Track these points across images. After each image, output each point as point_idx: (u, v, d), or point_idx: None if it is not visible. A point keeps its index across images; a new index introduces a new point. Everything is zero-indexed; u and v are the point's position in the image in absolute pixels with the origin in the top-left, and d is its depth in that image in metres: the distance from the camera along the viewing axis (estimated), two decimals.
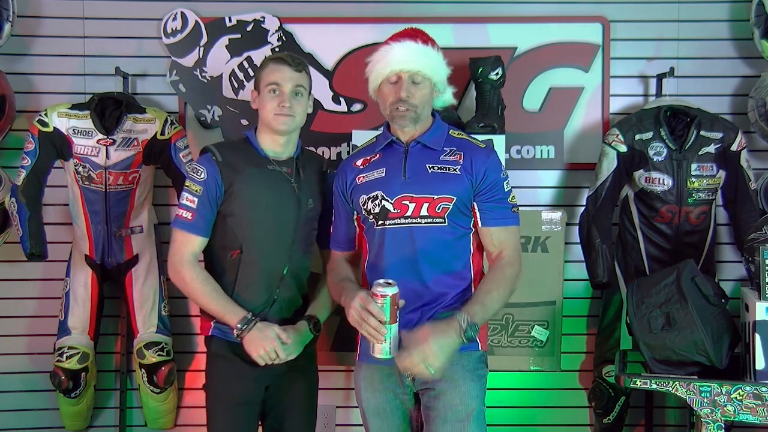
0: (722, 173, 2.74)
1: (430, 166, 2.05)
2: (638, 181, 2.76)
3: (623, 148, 2.73)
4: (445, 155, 2.07)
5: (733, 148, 2.71)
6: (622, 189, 2.83)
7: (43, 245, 2.79)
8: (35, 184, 2.78)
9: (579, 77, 3.08)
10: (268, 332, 2.09)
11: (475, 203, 2.05)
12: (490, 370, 2.13)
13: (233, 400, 2.18)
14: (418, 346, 1.84)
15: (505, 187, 2.08)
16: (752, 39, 2.93)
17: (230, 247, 2.17)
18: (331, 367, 2.88)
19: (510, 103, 2.88)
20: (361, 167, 2.13)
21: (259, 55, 3.05)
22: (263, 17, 3.06)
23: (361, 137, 2.70)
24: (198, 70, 3.07)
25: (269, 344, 2.08)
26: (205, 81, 3.07)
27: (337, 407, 3.06)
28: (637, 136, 2.73)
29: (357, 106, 3.08)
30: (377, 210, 2.05)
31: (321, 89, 3.03)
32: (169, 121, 2.88)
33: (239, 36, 3.06)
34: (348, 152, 2.98)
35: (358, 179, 2.11)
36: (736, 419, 2.23)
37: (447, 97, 2.22)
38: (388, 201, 2.04)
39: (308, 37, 3.08)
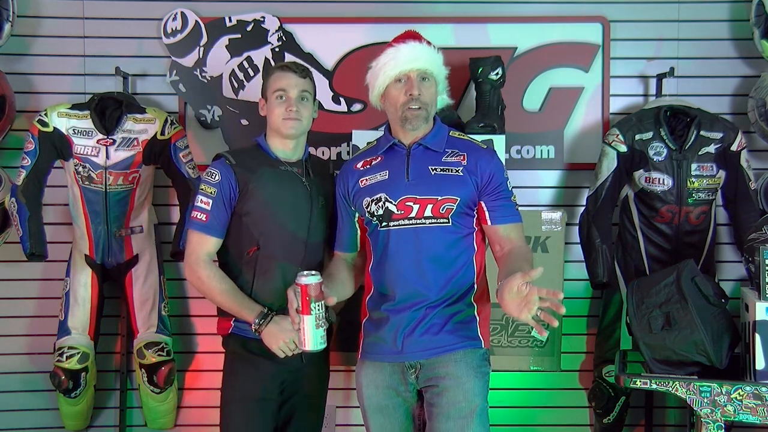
0: (722, 173, 2.74)
1: (433, 167, 2.07)
2: (638, 181, 2.76)
3: (623, 148, 2.73)
4: (447, 156, 2.10)
5: (733, 148, 2.71)
6: (622, 189, 2.84)
7: (43, 245, 2.79)
8: (35, 184, 2.79)
9: (579, 77, 3.08)
10: (286, 324, 2.12)
11: (482, 202, 2.08)
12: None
13: (251, 396, 2.21)
14: (531, 296, 1.73)
15: (509, 186, 2.12)
16: (752, 39, 2.93)
17: (247, 245, 2.21)
18: (331, 367, 2.88)
19: (510, 103, 2.88)
20: (363, 170, 2.15)
21: (259, 55, 3.05)
22: (263, 17, 3.06)
23: (361, 137, 2.70)
24: (198, 70, 3.07)
25: (288, 336, 2.12)
26: (205, 81, 3.07)
27: (337, 407, 3.06)
28: (637, 136, 2.73)
29: (357, 106, 3.08)
30: (381, 212, 2.07)
31: (321, 89, 3.00)
32: (169, 121, 2.88)
33: (239, 36, 3.06)
34: (348, 152, 2.99)
35: (361, 182, 2.13)
36: (736, 419, 2.24)
37: (444, 97, 2.23)
38: (391, 203, 2.05)
39: (308, 37, 3.08)
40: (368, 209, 2.10)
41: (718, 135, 2.71)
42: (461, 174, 2.06)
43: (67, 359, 2.79)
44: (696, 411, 2.25)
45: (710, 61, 3.07)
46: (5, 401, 3.09)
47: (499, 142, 2.68)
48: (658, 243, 2.79)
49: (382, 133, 2.21)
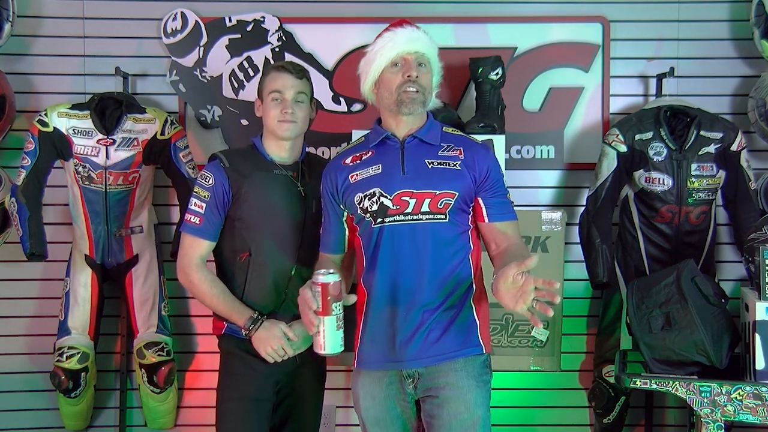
0: (722, 173, 2.74)
1: (430, 161, 2.00)
2: (638, 181, 2.76)
3: (623, 148, 2.73)
4: (443, 150, 2.03)
5: (733, 148, 2.71)
6: (622, 189, 2.83)
7: (43, 245, 2.80)
8: (35, 184, 2.79)
9: (579, 77, 3.08)
10: (275, 330, 2.13)
11: (479, 199, 2.02)
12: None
13: (246, 396, 2.21)
14: (527, 286, 1.70)
15: (504, 183, 2.08)
16: (752, 39, 2.93)
17: (239, 250, 2.21)
18: (331, 367, 2.87)
19: (510, 103, 2.88)
20: (353, 166, 2.04)
21: (259, 55, 3.05)
22: (263, 17, 3.06)
23: None
24: (198, 70, 3.07)
25: (276, 342, 2.13)
26: (205, 81, 3.08)
27: (337, 407, 3.06)
28: (637, 136, 2.73)
29: (357, 106, 3.08)
30: (375, 207, 1.97)
31: (321, 89, 3.03)
32: (169, 121, 2.88)
33: (239, 36, 3.07)
34: None
35: (351, 178, 2.02)
36: (736, 419, 2.23)
37: (435, 99, 2.14)
38: (386, 197, 1.96)
39: (308, 37, 3.08)
40: (360, 205, 1.99)
41: (718, 135, 2.71)
42: (459, 168, 1.99)
43: (67, 359, 2.79)
44: (696, 411, 2.25)
45: (710, 61, 3.07)
46: (5, 401, 3.09)
47: (499, 142, 2.68)
48: (658, 243, 2.79)
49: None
